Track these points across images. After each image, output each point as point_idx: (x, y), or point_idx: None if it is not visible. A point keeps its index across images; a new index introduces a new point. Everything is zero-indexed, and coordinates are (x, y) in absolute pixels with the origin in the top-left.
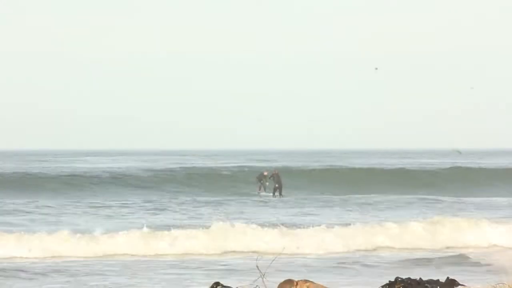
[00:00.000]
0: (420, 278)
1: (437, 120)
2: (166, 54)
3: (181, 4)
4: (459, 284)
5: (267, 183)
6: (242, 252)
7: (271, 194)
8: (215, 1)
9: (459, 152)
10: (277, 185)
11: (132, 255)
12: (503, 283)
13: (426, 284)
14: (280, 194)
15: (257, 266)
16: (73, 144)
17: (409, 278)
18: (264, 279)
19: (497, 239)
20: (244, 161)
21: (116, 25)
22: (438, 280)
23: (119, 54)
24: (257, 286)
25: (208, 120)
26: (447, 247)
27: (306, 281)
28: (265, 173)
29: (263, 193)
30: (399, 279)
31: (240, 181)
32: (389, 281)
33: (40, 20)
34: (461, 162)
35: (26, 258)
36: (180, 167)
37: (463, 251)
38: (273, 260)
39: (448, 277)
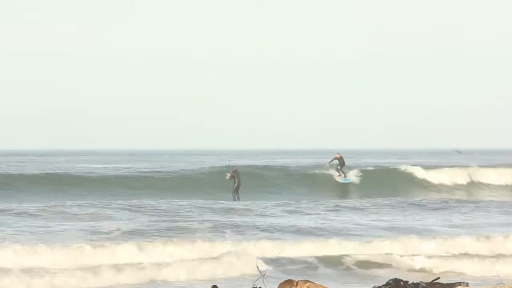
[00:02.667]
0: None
1: (437, 120)
2: (173, 53)
3: (184, 5)
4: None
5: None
6: None
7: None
8: (219, 2)
9: (459, 152)
10: (236, 184)
11: None
12: (503, 283)
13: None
14: (237, 193)
15: (257, 267)
16: (73, 144)
17: (395, 279)
18: (264, 279)
19: None
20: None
21: (121, 26)
22: (421, 282)
23: (124, 54)
24: (255, 286)
25: (220, 120)
26: None
27: (306, 281)
28: (234, 169)
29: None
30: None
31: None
32: (377, 286)
33: (47, 20)
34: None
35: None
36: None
37: None
38: (273, 261)
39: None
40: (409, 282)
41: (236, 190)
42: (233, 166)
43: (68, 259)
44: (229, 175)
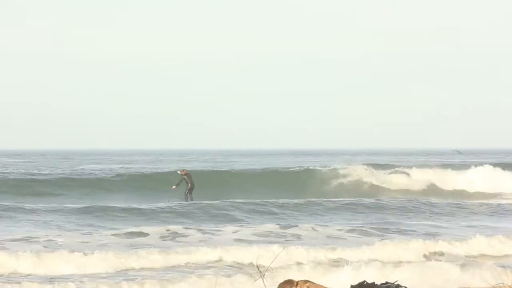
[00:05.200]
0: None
1: (437, 120)
2: (173, 53)
3: (184, 5)
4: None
5: (179, 184)
6: None
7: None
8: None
9: (459, 152)
10: (189, 186)
11: None
12: (503, 283)
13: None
14: (191, 195)
15: (257, 266)
16: (73, 144)
17: (361, 282)
18: (264, 279)
19: None
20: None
21: (121, 26)
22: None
23: (124, 54)
24: None
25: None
26: None
27: (306, 281)
28: (179, 172)
29: None
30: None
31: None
32: None
33: (47, 21)
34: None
35: None
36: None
37: None
38: (273, 260)
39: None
40: (379, 283)
41: (190, 192)
42: (182, 169)
43: None
44: (175, 186)
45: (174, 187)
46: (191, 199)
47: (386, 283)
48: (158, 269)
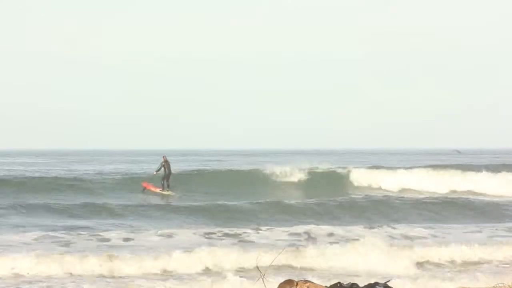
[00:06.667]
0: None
1: (437, 120)
2: (173, 53)
3: (184, 5)
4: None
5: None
6: None
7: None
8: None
9: (459, 152)
10: (167, 172)
11: None
12: (503, 283)
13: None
14: (168, 181)
15: (257, 266)
16: (73, 144)
17: (339, 282)
18: (264, 279)
19: None
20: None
21: (120, 26)
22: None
23: (124, 54)
24: None
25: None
26: None
27: (306, 281)
28: (164, 158)
29: None
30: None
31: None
32: None
33: (47, 21)
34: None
35: None
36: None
37: None
38: (273, 260)
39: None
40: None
41: (167, 178)
42: (163, 156)
43: None
44: (155, 172)
45: (154, 173)
46: (168, 186)
47: (376, 283)
48: (157, 274)
